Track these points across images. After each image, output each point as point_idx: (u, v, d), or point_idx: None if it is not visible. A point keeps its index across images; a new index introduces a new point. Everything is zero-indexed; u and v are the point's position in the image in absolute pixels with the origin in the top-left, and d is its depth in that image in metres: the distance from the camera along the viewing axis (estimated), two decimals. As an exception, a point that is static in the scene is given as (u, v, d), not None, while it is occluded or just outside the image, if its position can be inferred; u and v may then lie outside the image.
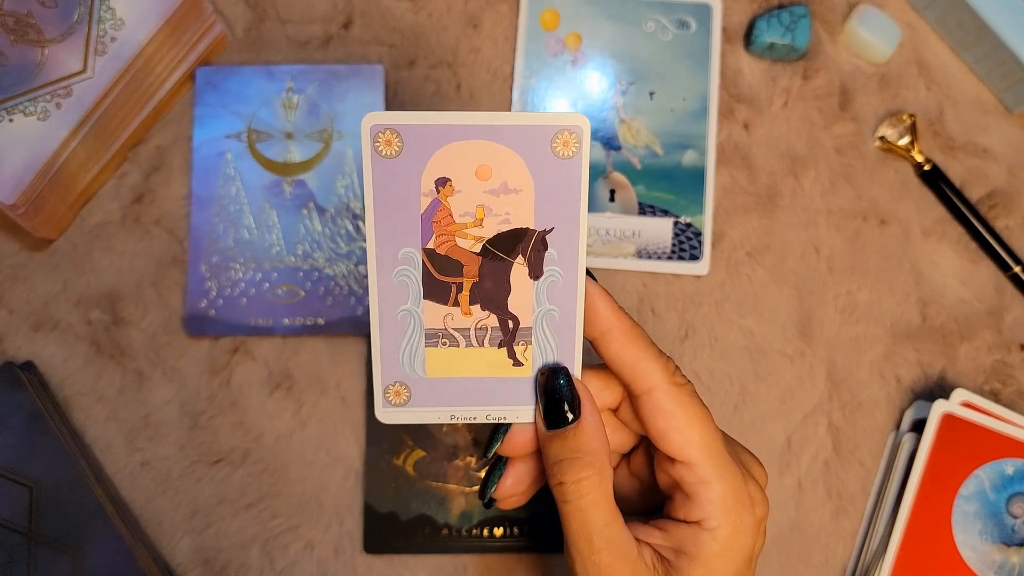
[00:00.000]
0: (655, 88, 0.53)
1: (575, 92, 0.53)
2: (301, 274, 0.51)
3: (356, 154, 0.51)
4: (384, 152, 0.31)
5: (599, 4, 0.53)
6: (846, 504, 0.50)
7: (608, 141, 0.52)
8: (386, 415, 0.34)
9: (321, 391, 0.50)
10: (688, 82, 0.53)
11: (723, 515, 0.31)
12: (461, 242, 0.32)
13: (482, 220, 0.32)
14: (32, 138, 0.46)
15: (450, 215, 0.31)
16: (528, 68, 0.53)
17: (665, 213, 0.52)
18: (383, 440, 0.49)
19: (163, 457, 0.50)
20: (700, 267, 0.52)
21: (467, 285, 0.32)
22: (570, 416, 0.32)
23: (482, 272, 0.32)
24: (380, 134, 0.30)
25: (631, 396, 0.33)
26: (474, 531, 0.49)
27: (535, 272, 0.32)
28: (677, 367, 0.33)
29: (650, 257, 0.51)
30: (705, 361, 0.51)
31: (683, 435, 0.31)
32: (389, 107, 0.52)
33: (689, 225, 0.52)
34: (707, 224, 0.52)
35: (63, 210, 0.50)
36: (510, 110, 0.53)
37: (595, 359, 0.34)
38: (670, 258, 0.52)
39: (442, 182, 0.31)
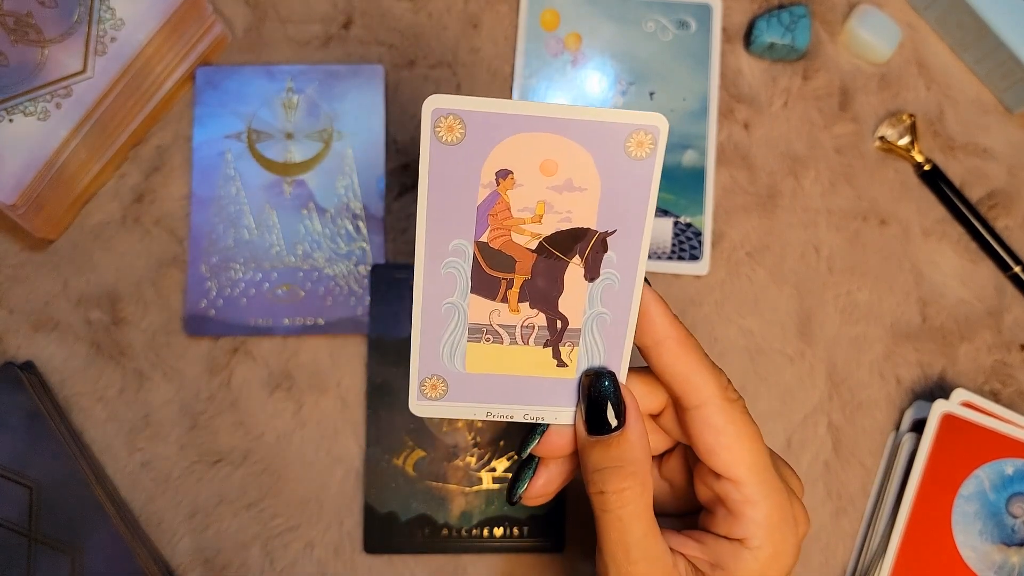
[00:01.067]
0: (655, 88, 0.53)
1: (575, 92, 0.53)
2: (301, 274, 0.50)
3: (356, 154, 0.51)
4: (445, 138, 0.29)
5: (599, 4, 0.53)
6: (846, 504, 0.50)
7: (608, 141, 0.52)
8: (420, 408, 0.33)
9: (321, 391, 0.50)
10: (688, 82, 0.53)
11: (767, 535, 0.30)
12: (517, 237, 0.30)
13: (541, 217, 0.30)
14: (32, 138, 0.46)
15: (508, 209, 0.30)
16: (528, 68, 0.53)
17: (665, 213, 0.52)
18: (383, 440, 0.49)
19: (163, 457, 0.50)
20: (700, 267, 0.52)
21: (518, 282, 0.31)
22: (614, 423, 0.31)
23: (535, 270, 0.31)
24: (442, 119, 0.28)
25: (679, 408, 0.32)
26: (474, 531, 0.49)
27: (591, 274, 0.31)
28: (729, 381, 0.32)
29: (650, 257, 0.51)
30: (705, 361, 0.51)
31: (733, 453, 0.31)
32: (388, 107, 0.52)
33: (689, 225, 0.52)
34: (707, 224, 0.52)
35: (63, 210, 0.50)
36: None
37: (637, 363, 0.33)
38: (670, 258, 0.52)
39: (503, 174, 0.29)
